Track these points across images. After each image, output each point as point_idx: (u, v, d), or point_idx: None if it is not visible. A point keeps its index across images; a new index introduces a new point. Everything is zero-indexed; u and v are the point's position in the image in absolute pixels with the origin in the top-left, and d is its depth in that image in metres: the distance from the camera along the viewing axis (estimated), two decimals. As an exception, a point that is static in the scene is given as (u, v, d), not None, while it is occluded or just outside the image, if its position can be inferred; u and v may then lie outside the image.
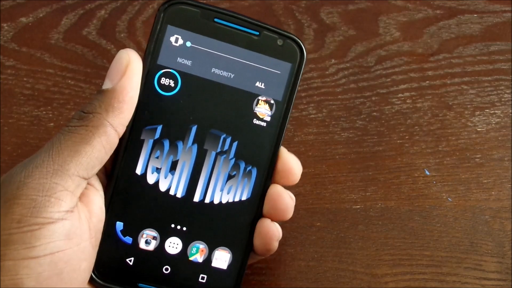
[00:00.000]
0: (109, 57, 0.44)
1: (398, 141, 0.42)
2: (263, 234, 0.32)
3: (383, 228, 0.39)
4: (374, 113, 0.43)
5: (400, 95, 0.43)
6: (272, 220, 0.32)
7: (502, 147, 0.42)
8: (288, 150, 0.33)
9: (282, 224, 0.39)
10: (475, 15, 0.46)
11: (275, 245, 0.32)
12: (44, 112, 0.42)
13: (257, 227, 0.32)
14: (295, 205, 0.40)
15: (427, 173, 0.41)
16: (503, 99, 0.43)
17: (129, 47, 0.44)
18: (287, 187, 0.33)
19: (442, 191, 0.40)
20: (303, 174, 0.41)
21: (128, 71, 0.29)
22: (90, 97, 0.29)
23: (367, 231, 0.39)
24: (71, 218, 0.27)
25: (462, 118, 0.43)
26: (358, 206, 0.40)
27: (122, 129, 0.29)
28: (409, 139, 0.42)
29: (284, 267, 0.38)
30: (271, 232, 0.32)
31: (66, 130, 0.28)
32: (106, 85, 0.29)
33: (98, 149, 0.28)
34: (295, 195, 0.40)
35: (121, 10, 0.45)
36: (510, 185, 0.40)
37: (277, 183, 0.32)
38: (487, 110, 0.43)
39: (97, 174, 0.30)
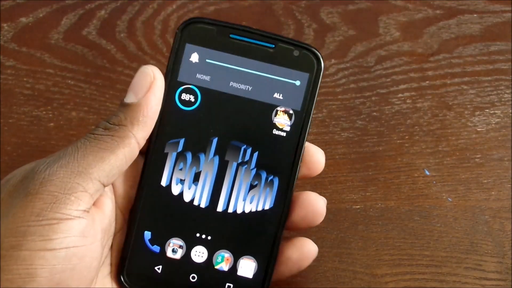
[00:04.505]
0: (109, 57, 0.44)
1: (398, 141, 0.42)
2: (300, 254, 0.32)
3: (383, 228, 0.39)
4: (374, 113, 0.43)
5: (400, 95, 0.43)
6: (301, 227, 0.33)
7: (502, 147, 0.42)
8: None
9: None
10: (475, 15, 0.46)
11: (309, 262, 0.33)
12: (44, 112, 0.42)
13: (295, 246, 0.32)
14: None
15: (427, 173, 0.41)
16: (503, 99, 0.43)
17: (129, 47, 0.44)
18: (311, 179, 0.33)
19: (442, 191, 0.40)
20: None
21: (153, 87, 0.30)
22: (115, 110, 0.31)
23: (367, 231, 0.39)
24: (87, 218, 0.28)
25: (462, 118, 0.43)
26: (358, 206, 0.40)
27: (143, 142, 0.30)
28: (409, 139, 0.42)
29: (284, 267, 0.38)
30: (311, 251, 0.32)
31: (92, 137, 0.29)
32: (130, 98, 0.30)
33: (120, 159, 0.29)
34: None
35: (121, 10, 0.45)
36: (510, 185, 0.40)
37: (304, 175, 0.33)
38: (487, 110, 0.43)
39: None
